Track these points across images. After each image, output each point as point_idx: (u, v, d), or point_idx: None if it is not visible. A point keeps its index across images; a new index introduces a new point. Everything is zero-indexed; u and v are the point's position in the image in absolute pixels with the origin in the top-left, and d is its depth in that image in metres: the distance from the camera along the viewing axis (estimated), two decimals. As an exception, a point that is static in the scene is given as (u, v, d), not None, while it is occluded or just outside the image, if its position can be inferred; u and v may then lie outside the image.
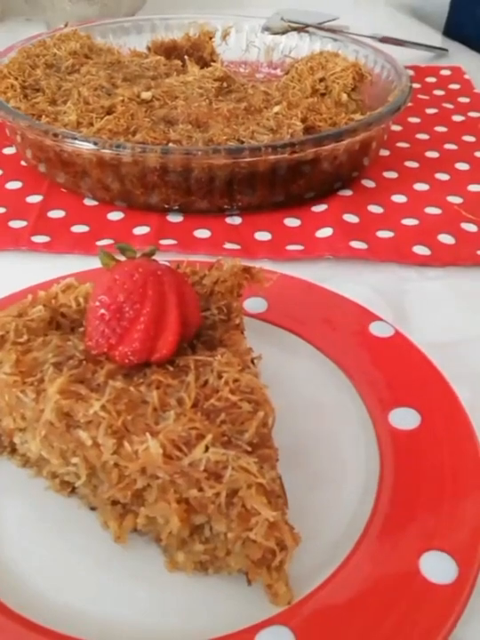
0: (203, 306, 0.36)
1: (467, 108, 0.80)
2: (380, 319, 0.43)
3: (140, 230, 0.55)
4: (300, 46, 0.81)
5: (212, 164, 0.53)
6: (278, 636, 0.27)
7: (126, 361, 0.31)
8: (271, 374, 0.36)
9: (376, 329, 0.42)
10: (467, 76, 0.89)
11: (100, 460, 0.29)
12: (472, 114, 0.78)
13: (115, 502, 0.31)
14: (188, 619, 0.29)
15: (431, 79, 0.88)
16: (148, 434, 0.28)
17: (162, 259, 0.34)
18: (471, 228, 0.55)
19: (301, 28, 0.84)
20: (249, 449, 0.28)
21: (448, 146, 0.70)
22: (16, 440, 0.33)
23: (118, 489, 0.29)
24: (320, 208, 0.58)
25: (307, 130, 0.60)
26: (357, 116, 0.62)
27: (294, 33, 0.84)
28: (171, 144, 0.56)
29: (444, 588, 0.28)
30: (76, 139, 0.54)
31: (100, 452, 0.28)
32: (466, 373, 0.41)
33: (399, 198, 0.60)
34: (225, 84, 0.67)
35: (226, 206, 0.57)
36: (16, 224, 0.55)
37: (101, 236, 0.53)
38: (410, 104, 0.63)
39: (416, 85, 0.83)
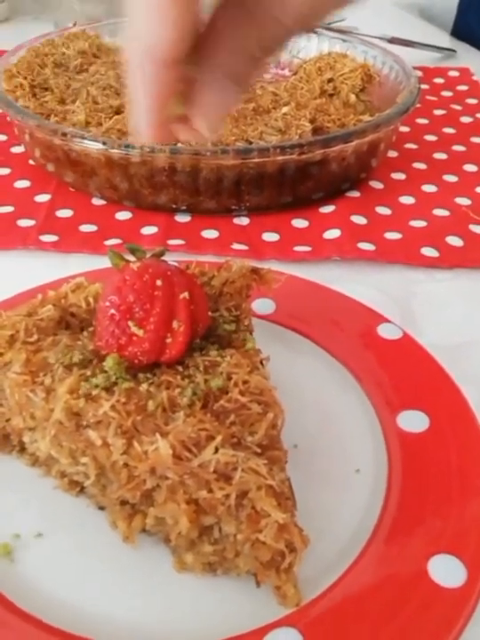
0: (212, 307, 0.36)
1: (475, 109, 0.80)
2: (388, 321, 0.43)
3: (148, 230, 0.55)
4: (309, 47, 0.81)
5: (220, 164, 0.53)
6: (287, 638, 0.27)
7: (136, 361, 0.31)
8: (279, 376, 0.36)
9: (384, 331, 0.42)
10: (475, 78, 0.89)
11: (110, 460, 0.29)
12: (480, 115, 0.78)
13: (124, 502, 0.31)
14: (196, 620, 0.29)
15: (439, 80, 0.88)
16: (157, 434, 0.28)
17: (169, 259, 0.34)
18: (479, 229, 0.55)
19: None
20: (258, 450, 0.28)
21: (456, 147, 0.70)
22: (25, 439, 0.33)
23: (127, 489, 0.29)
24: (328, 209, 0.58)
25: (315, 131, 0.60)
26: (366, 117, 0.62)
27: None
28: (179, 144, 0.56)
29: (453, 591, 0.28)
30: (84, 138, 0.54)
31: (109, 451, 0.28)
32: (474, 375, 0.41)
33: (407, 200, 0.60)
34: (233, 85, 0.67)
35: (234, 207, 0.57)
36: (24, 223, 0.55)
37: (109, 236, 0.54)
38: (418, 105, 0.63)
39: (424, 86, 0.83)
